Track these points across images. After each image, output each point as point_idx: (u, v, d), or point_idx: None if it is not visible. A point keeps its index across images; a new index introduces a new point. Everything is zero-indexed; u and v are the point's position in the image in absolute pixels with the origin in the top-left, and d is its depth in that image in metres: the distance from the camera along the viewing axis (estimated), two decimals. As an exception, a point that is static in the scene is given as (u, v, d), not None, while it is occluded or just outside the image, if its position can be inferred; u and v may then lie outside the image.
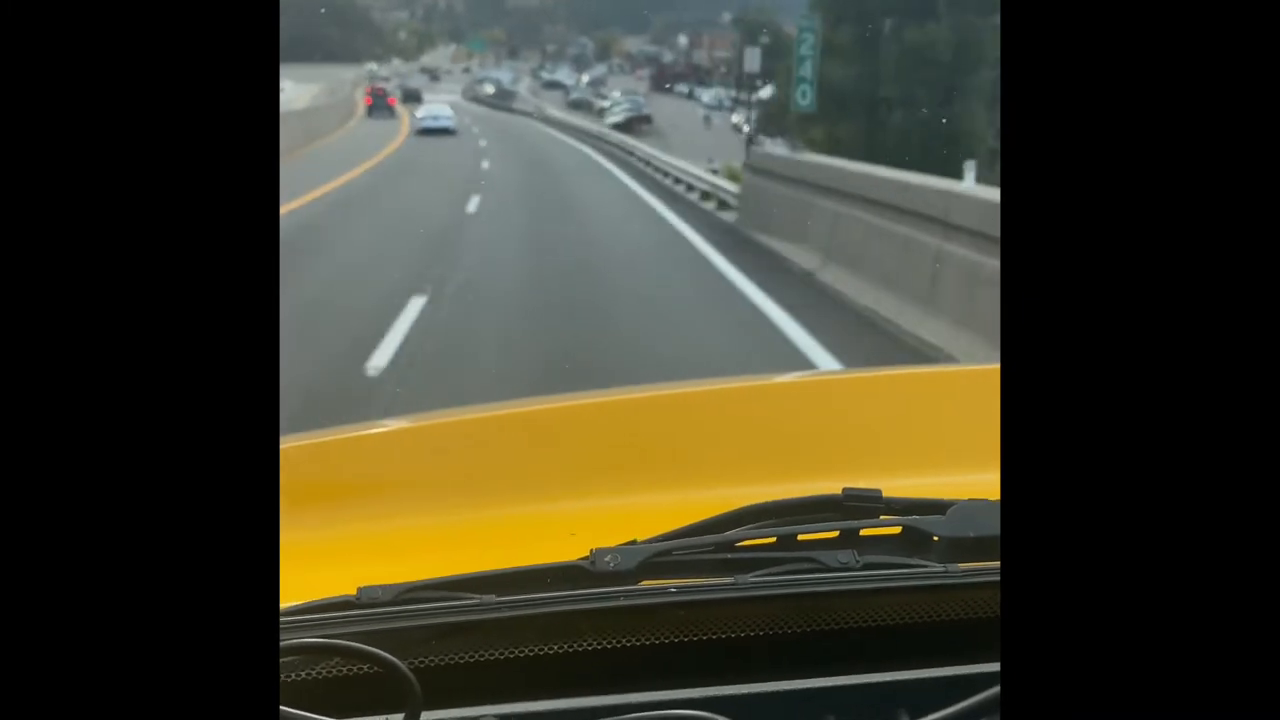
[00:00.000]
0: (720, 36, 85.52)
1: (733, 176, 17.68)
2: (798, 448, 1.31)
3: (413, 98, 52.79)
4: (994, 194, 7.44)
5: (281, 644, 0.65)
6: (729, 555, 0.82)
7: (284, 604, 0.70)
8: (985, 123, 26.39)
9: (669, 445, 1.36)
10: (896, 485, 0.91)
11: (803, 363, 7.02)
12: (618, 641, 0.76)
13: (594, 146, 30.87)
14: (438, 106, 37.86)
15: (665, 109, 58.16)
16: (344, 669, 0.72)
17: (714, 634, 0.77)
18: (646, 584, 0.78)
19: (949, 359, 6.97)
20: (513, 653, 0.75)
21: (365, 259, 11.08)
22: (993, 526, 0.81)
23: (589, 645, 0.75)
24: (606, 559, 0.79)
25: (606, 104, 60.79)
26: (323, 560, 1.06)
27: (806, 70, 19.77)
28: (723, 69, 77.96)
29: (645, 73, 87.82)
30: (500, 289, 9.61)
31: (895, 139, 26.34)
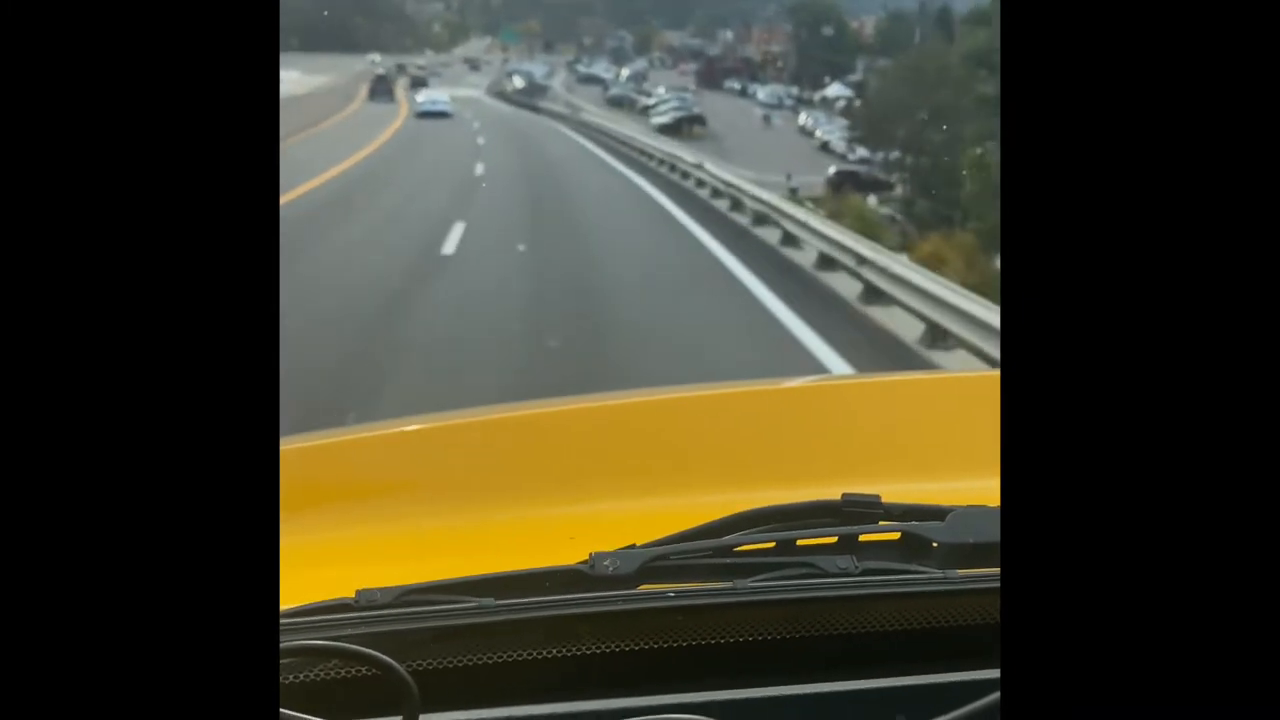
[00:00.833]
0: (772, 29, 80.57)
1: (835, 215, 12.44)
2: (797, 453, 1.31)
3: (420, 84, 53.21)
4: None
5: (281, 645, 0.65)
6: (728, 560, 0.82)
7: (283, 606, 0.70)
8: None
9: (668, 449, 1.36)
10: (895, 491, 0.91)
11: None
12: (616, 645, 0.76)
13: (661, 185, 16.97)
14: (436, 93, 41.28)
15: (716, 107, 52.42)
16: (343, 671, 0.72)
17: (712, 639, 0.77)
18: (645, 588, 0.78)
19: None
20: (511, 656, 0.74)
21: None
22: (992, 532, 0.81)
23: (587, 649, 0.75)
24: (605, 563, 0.79)
25: (651, 102, 55.96)
26: (321, 562, 1.06)
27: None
28: (779, 63, 72.97)
29: (689, 67, 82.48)
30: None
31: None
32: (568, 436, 1.43)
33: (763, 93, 63.20)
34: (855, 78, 60.79)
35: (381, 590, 0.76)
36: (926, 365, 6.62)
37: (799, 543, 0.84)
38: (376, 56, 72.20)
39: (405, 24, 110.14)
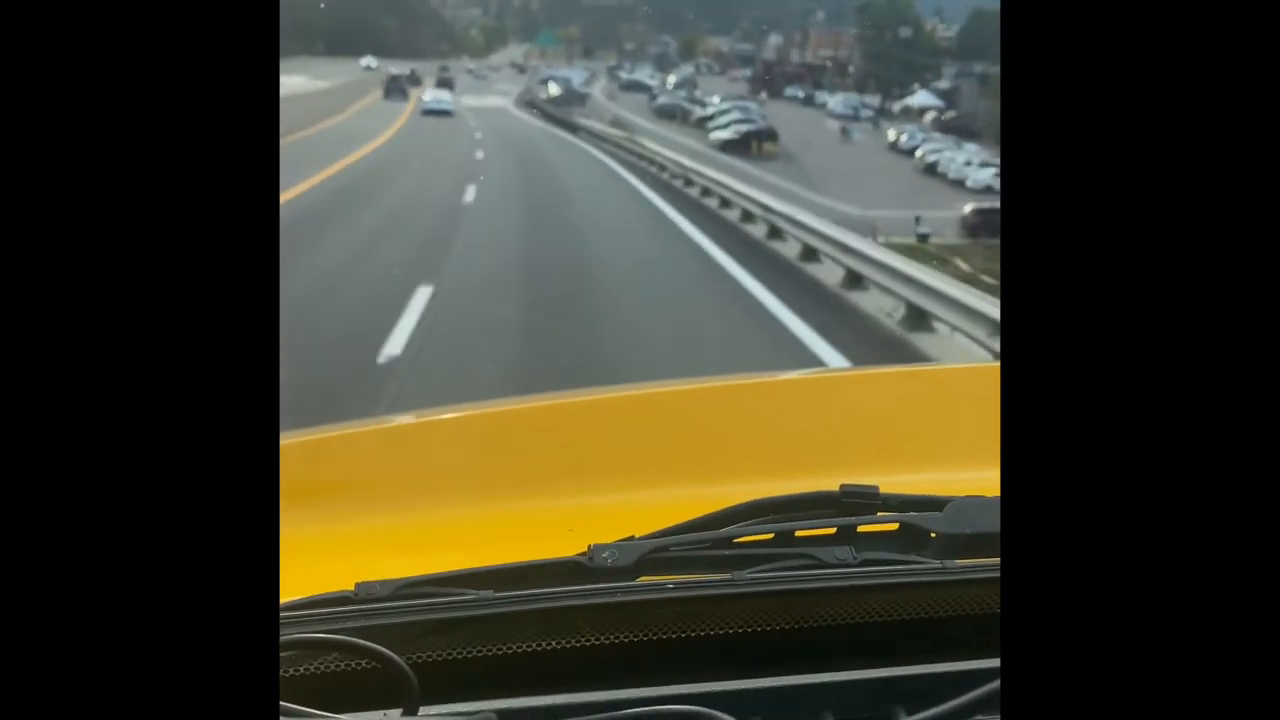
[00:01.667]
0: (834, 33, 74.37)
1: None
2: (796, 444, 1.32)
3: (446, 84, 53.45)
4: None
5: (281, 638, 0.65)
6: (726, 551, 0.82)
7: (283, 599, 0.70)
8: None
9: (667, 441, 1.36)
10: (894, 482, 0.91)
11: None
12: (615, 637, 0.76)
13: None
14: (440, 92, 44.21)
15: (782, 119, 45.68)
16: (342, 664, 0.72)
17: (711, 630, 0.77)
18: (644, 580, 0.78)
19: None
20: (510, 648, 0.75)
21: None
22: (990, 523, 0.81)
23: (586, 640, 0.75)
24: (604, 555, 0.79)
25: (707, 113, 48.02)
26: (321, 555, 1.06)
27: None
28: (848, 68, 66.85)
29: (740, 74, 76.82)
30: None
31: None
32: (566, 429, 1.43)
33: (834, 102, 56.25)
34: (942, 84, 55.60)
35: (381, 583, 0.76)
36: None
37: (797, 534, 0.84)
38: (372, 61, 70.51)
39: (442, 29, 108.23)
